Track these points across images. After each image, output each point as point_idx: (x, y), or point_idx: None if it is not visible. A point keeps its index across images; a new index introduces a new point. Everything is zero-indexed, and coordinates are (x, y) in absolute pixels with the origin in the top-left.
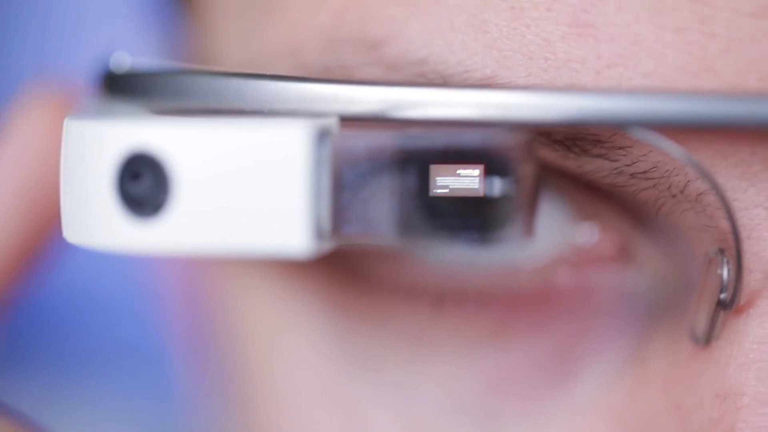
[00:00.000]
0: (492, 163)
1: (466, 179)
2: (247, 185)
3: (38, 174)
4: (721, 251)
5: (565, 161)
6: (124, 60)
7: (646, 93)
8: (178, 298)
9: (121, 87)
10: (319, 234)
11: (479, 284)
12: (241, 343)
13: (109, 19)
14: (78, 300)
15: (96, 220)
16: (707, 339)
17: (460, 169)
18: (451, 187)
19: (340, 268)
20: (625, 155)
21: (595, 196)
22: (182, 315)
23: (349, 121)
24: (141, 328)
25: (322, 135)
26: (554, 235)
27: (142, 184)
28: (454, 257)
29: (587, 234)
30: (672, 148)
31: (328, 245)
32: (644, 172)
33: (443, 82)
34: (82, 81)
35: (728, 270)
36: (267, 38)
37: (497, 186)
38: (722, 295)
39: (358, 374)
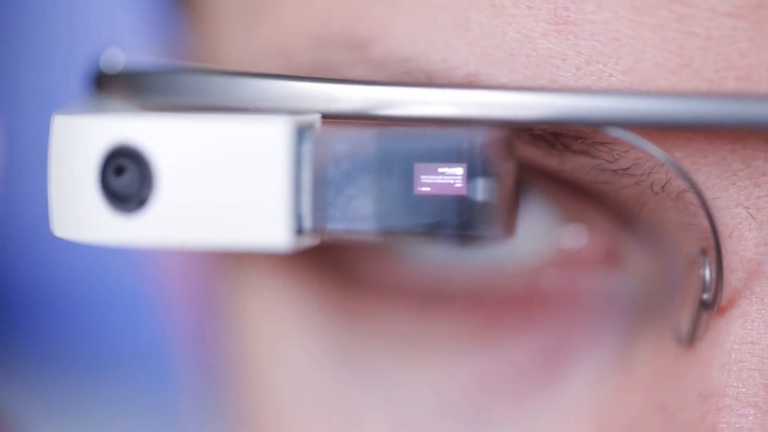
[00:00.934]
0: (474, 161)
1: (449, 177)
2: (229, 179)
3: None
4: (703, 251)
5: (547, 158)
6: (116, 57)
7: (624, 93)
8: (183, 297)
9: (111, 84)
10: (299, 228)
11: (466, 285)
12: (241, 343)
13: (109, 15)
14: (84, 297)
15: (81, 215)
16: (691, 340)
17: (442, 167)
18: (433, 185)
19: (329, 268)
20: (606, 152)
21: (580, 197)
22: (186, 312)
23: (332, 119)
24: (146, 325)
25: (303, 131)
26: (541, 237)
27: (126, 178)
28: (441, 257)
29: (574, 236)
30: (650, 147)
31: (309, 240)
32: (626, 169)
33: (428, 79)
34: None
35: (710, 270)
36: (259, 39)
37: (479, 185)
38: (704, 296)
39: (348, 376)
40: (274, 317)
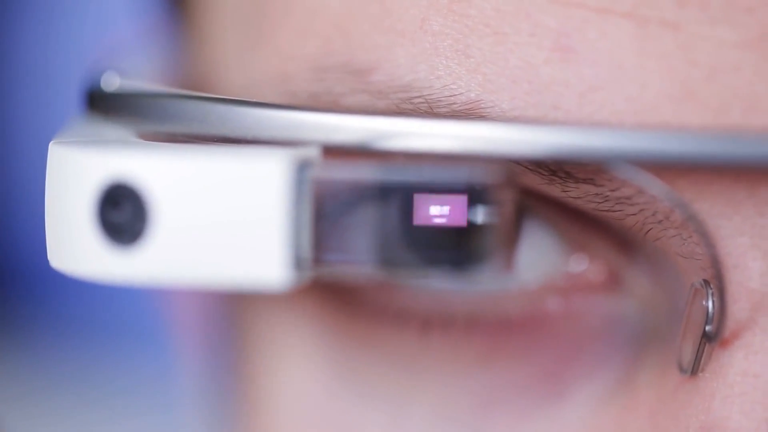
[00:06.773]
0: (475, 193)
1: (449, 209)
2: (226, 216)
3: None
4: (706, 282)
5: (550, 186)
6: (113, 80)
7: (627, 129)
8: (188, 319)
9: (107, 107)
10: (297, 265)
11: (467, 309)
12: (246, 365)
13: (107, 37)
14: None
15: (76, 247)
16: (693, 370)
17: (443, 199)
18: (433, 217)
19: (330, 293)
20: (610, 180)
21: (582, 223)
22: (192, 335)
23: (332, 150)
24: (150, 322)
25: (303, 166)
26: (542, 263)
27: (122, 212)
28: (442, 283)
29: (575, 262)
30: (652, 184)
31: (307, 275)
32: (629, 197)
33: (428, 107)
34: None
35: (713, 302)
36: (258, 65)
37: (480, 217)
38: (707, 327)
39: (351, 397)
40: (278, 341)
